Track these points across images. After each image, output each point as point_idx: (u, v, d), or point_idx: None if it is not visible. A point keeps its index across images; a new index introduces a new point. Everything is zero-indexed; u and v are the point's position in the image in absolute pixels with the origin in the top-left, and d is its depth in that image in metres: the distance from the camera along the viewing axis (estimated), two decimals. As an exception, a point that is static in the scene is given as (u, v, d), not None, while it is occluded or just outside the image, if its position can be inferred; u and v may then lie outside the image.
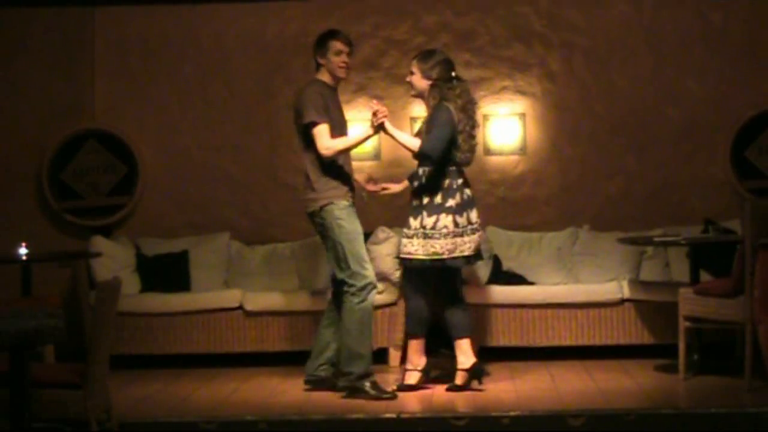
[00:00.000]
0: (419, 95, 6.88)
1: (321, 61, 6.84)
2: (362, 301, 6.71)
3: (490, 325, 7.83)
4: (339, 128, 6.81)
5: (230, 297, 8.05)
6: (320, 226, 6.80)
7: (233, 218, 8.85)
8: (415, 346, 6.84)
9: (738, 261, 6.55)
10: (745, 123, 8.65)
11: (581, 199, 8.78)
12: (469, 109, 6.75)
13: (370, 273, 6.74)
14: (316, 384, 6.90)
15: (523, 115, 8.81)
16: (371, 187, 6.97)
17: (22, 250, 7.40)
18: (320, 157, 6.71)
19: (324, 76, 6.86)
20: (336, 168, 6.77)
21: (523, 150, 8.82)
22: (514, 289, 7.94)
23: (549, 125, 8.84)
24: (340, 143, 6.73)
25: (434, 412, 6.29)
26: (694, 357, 7.02)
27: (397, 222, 8.47)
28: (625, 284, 7.88)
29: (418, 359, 6.83)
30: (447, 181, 6.70)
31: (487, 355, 7.81)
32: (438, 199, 6.68)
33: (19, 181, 8.96)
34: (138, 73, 8.97)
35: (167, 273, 8.33)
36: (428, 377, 6.86)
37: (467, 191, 6.75)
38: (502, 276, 8.09)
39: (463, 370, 6.80)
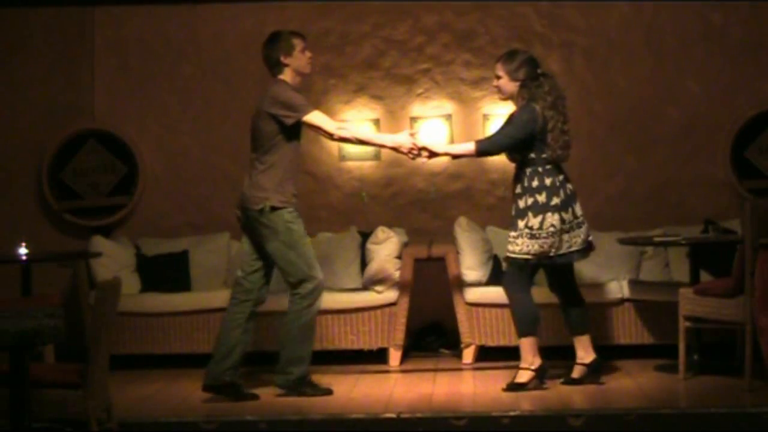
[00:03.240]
0: (509, 98, 6.85)
1: (287, 60, 6.73)
2: (310, 305, 6.69)
3: (490, 325, 7.83)
4: (301, 130, 6.75)
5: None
6: (266, 227, 6.66)
7: (233, 218, 8.82)
8: (529, 346, 6.76)
9: (738, 261, 6.55)
10: (745, 123, 8.66)
11: (581, 199, 8.73)
12: (559, 105, 6.71)
13: (319, 275, 6.71)
14: (218, 390, 6.71)
15: (523, 115, 8.80)
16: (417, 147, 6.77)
17: (22, 250, 7.40)
18: (282, 157, 6.67)
19: (287, 77, 6.76)
20: (293, 170, 6.72)
21: (523, 150, 8.81)
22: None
23: (549, 125, 8.83)
24: (357, 132, 6.82)
25: (434, 412, 6.29)
26: (694, 357, 7.03)
27: (397, 222, 8.50)
28: (625, 284, 7.88)
29: (532, 358, 6.76)
30: (550, 180, 6.66)
31: (488, 355, 7.82)
32: (542, 198, 6.63)
33: (19, 181, 8.96)
34: (138, 73, 8.98)
35: (167, 273, 8.33)
36: (543, 378, 6.81)
37: (569, 186, 6.73)
38: (502, 276, 8.07)
39: (582, 364, 6.83)
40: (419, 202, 8.86)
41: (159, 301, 8.10)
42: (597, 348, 7.79)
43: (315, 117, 6.65)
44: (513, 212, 6.75)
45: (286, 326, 6.76)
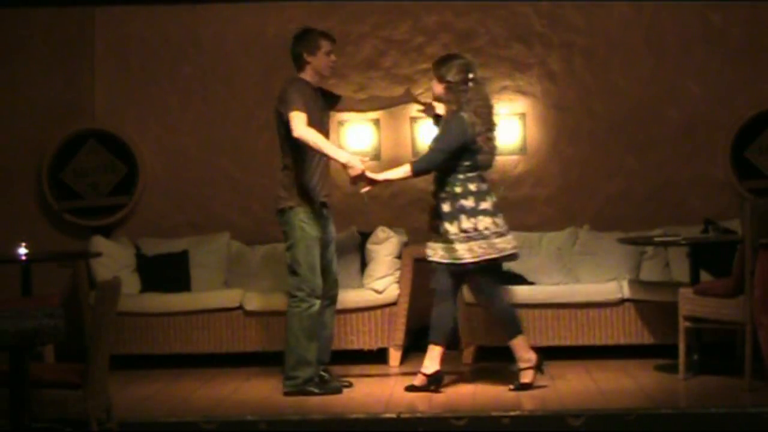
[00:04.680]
0: (438, 99, 6.88)
1: (309, 59, 6.81)
2: (310, 307, 6.75)
3: (491, 325, 7.82)
4: (315, 128, 6.74)
5: (230, 297, 8.05)
6: (285, 225, 6.81)
7: (233, 218, 8.85)
8: (521, 344, 6.77)
9: (738, 261, 6.55)
10: (745, 123, 8.65)
11: (581, 199, 8.78)
12: (482, 112, 6.71)
13: (319, 281, 6.78)
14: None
15: (523, 115, 8.81)
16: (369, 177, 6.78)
17: (22, 250, 7.40)
18: (299, 159, 6.73)
19: (307, 75, 6.84)
20: (312, 172, 6.77)
21: (523, 150, 8.82)
22: (514, 289, 7.93)
23: (549, 125, 8.84)
24: (317, 138, 6.63)
25: (434, 412, 6.29)
26: (694, 357, 7.02)
27: (397, 222, 8.50)
28: (625, 284, 7.88)
29: (528, 355, 6.76)
30: (474, 185, 6.69)
31: (488, 355, 7.82)
32: (470, 203, 6.66)
33: (19, 181, 8.96)
34: (138, 73, 8.97)
35: (167, 273, 8.33)
36: (542, 368, 6.81)
37: (493, 195, 6.76)
38: (502, 276, 8.08)
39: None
40: (419, 202, 8.84)
41: (159, 301, 8.10)
42: (597, 348, 7.83)
43: (293, 115, 6.65)
44: (441, 216, 6.71)
45: (289, 331, 6.79)
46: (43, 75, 8.97)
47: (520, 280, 8.07)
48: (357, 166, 6.64)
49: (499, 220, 6.70)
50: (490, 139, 6.75)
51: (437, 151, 6.73)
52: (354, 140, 8.79)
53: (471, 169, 6.71)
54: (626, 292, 7.83)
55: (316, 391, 6.75)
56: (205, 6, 8.95)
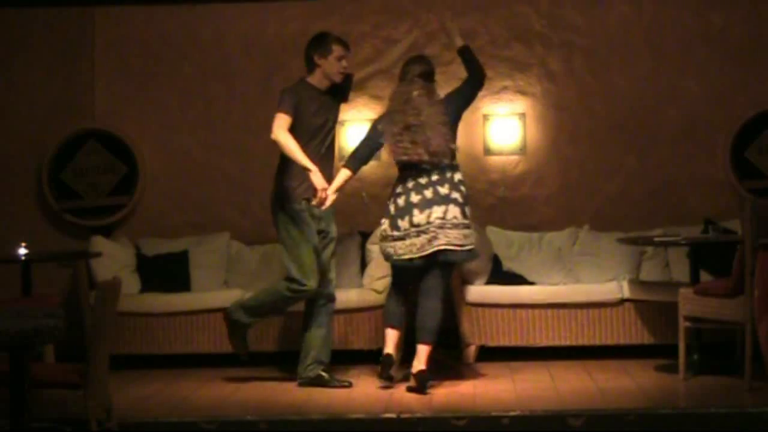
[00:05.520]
0: None
1: (319, 61, 6.85)
2: (291, 298, 6.90)
3: (490, 325, 7.83)
4: (311, 133, 6.81)
5: (230, 297, 8.03)
6: (275, 225, 6.92)
7: (233, 218, 8.85)
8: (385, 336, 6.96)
9: (738, 261, 6.55)
10: (745, 123, 8.65)
11: (581, 199, 8.78)
12: (394, 109, 6.80)
13: (309, 283, 6.80)
14: (309, 384, 6.99)
15: (523, 115, 8.81)
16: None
17: (22, 250, 7.41)
18: (285, 160, 6.79)
19: (315, 79, 6.89)
20: (297, 174, 6.77)
21: (523, 150, 8.82)
22: (514, 289, 7.94)
23: (549, 125, 8.84)
24: (289, 142, 6.67)
25: (434, 412, 6.29)
26: (694, 357, 7.02)
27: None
28: (625, 284, 7.88)
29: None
30: (395, 186, 6.85)
31: (488, 355, 7.83)
32: (390, 204, 6.84)
33: (19, 181, 8.96)
34: (138, 73, 8.98)
35: (167, 273, 8.33)
36: (379, 361, 6.90)
37: (418, 195, 6.72)
38: (502, 276, 8.08)
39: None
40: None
41: (159, 301, 8.10)
42: (597, 348, 7.82)
43: (275, 117, 6.74)
44: None
45: (274, 293, 7.01)
46: (43, 75, 8.97)
47: (520, 280, 8.07)
48: (319, 177, 6.65)
49: (405, 223, 6.71)
50: (394, 136, 6.75)
51: (358, 145, 6.98)
52: (354, 140, 8.78)
53: (398, 168, 6.85)
54: (626, 292, 7.83)
55: (244, 321, 7.03)
56: (205, 6, 8.96)
